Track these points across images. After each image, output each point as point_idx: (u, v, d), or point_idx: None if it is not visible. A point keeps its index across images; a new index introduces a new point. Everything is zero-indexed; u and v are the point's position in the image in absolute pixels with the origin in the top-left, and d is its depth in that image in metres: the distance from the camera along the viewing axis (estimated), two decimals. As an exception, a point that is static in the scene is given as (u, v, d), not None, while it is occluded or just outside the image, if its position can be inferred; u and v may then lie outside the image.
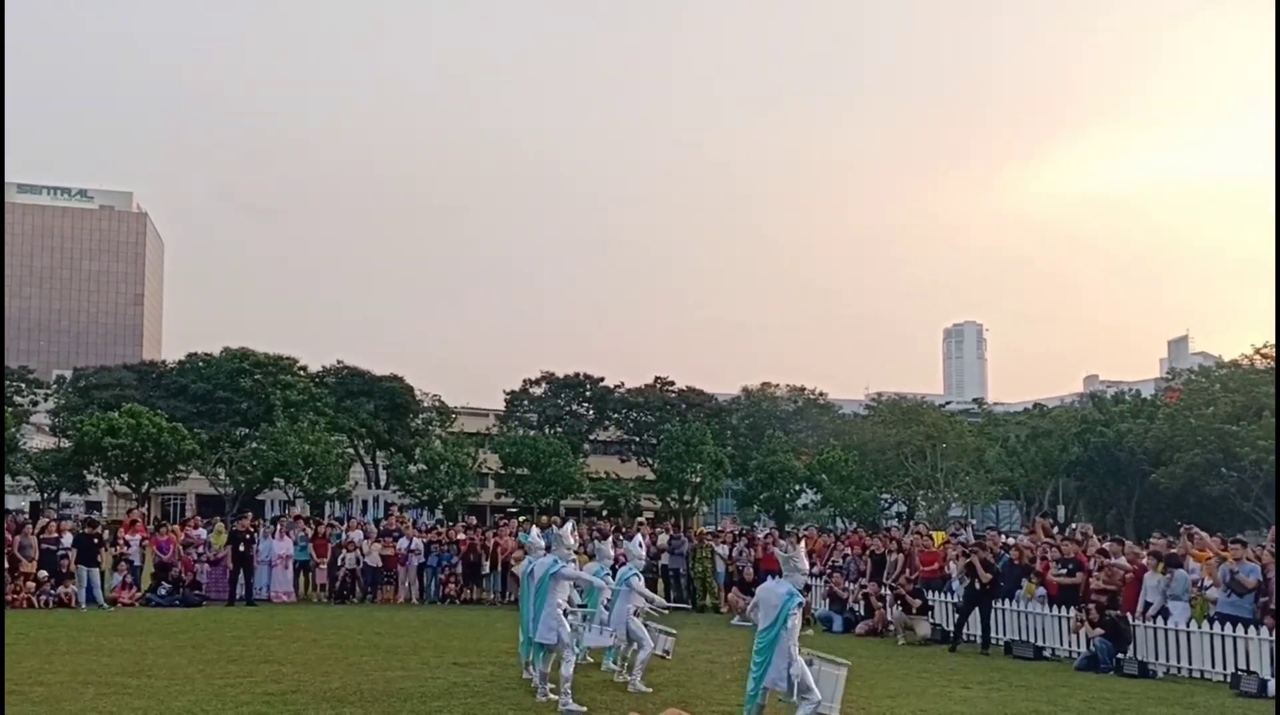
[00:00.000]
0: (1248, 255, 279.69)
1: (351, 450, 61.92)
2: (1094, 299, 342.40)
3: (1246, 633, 12.99)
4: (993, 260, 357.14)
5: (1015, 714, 10.82)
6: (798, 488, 62.15)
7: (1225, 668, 13.09)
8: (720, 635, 16.98)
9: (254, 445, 56.00)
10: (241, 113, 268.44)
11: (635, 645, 12.00)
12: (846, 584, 19.30)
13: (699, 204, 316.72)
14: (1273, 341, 59.79)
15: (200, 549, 22.05)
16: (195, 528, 23.50)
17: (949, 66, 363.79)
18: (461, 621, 18.51)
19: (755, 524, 49.61)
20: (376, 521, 34.33)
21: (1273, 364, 58.52)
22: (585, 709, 10.24)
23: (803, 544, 11.34)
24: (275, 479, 54.54)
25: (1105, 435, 58.25)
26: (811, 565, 21.44)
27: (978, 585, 15.93)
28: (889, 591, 18.11)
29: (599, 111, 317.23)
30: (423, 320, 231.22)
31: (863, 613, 18.50)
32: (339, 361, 65.63)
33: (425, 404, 66.71)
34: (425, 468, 58.05)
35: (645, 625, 12.29)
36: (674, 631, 12.84)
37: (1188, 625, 13.79)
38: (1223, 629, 13.28)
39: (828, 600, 19.58)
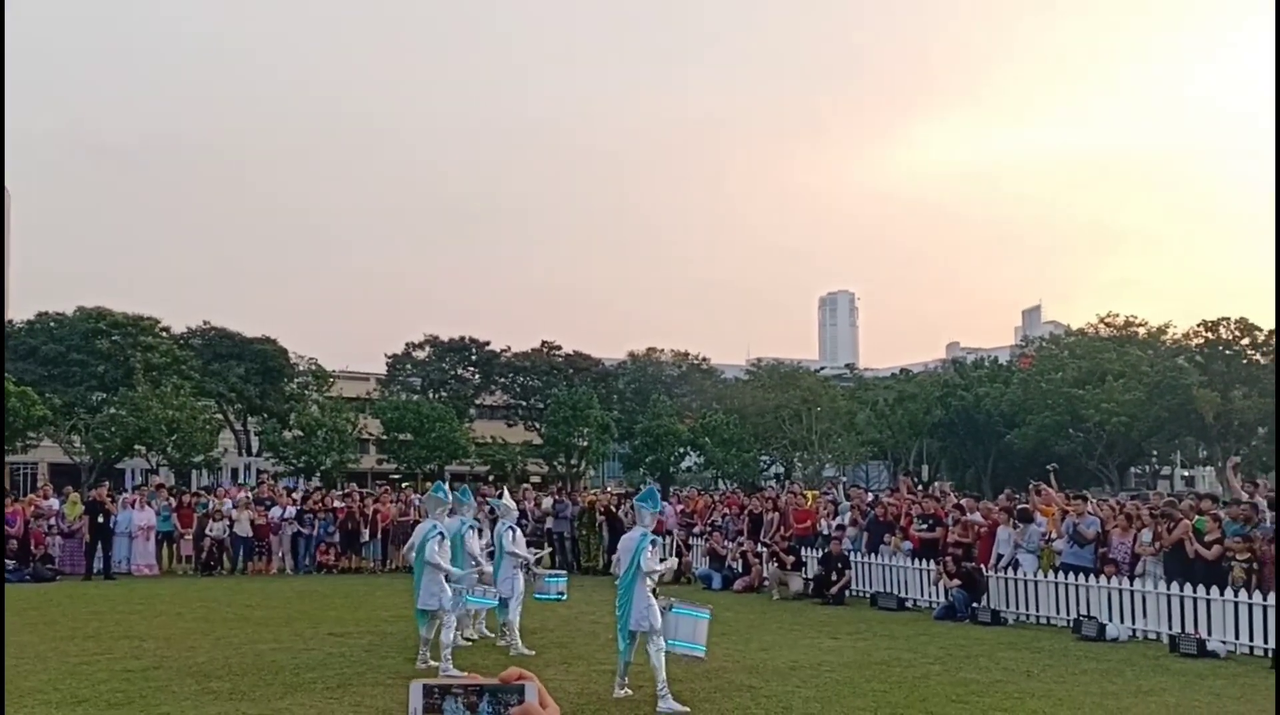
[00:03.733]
0: (1096, 228, 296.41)
1: (220, 416, 59.66)
2: (956, 270, 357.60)
3: (1087, 581, 13.94)
4: (865, 232, 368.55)
5: (878, 661, 11.36)
6: (682, 450, 63.02)
7: (1069, 614, 14.00)
8: (604, 596, 17.15)
9: (112, 411, 53.28)
10: (92, 44, 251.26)
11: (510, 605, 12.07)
12: (725, 542, 19.77)
13: (581, 172, 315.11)
14: (1115, 311, 64.38)
15: (52, 520, 20.96)
16: (46, 498, 22.32)
17: (816, 44, 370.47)
18: (339, 591, 18.19)
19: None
20: (250, 489, 33.28)
21: (1116, 332, 62.87)
22: (466, 674, 10.26)
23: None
24: (136, 446, 52.09)
25: (965, 399, 61.04)
26: (692, 525, 21.96)
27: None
28: (765, 549, 18.64)
29: (487, 78, 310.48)
30: (299, 280, 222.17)
31: (740, 570, 19.00)
32: (205, 322, 62.91)
33: (301, 367, 64.69)
34: (301, 434, 56.44)
35: (533, 573, 12.42)
36: (563, 573, 13.03)
37: (1035, 575, 14.70)
38: (1066, 578, 14.22)
39: (708, 558, 20.03)
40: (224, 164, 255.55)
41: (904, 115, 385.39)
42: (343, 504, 23.05)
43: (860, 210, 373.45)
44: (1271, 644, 11.68)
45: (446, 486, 12.72)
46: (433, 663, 10.50)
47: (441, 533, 10.99)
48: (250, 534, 21.78)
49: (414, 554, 11.16)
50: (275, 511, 22.33)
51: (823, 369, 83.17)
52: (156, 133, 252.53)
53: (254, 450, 62.52)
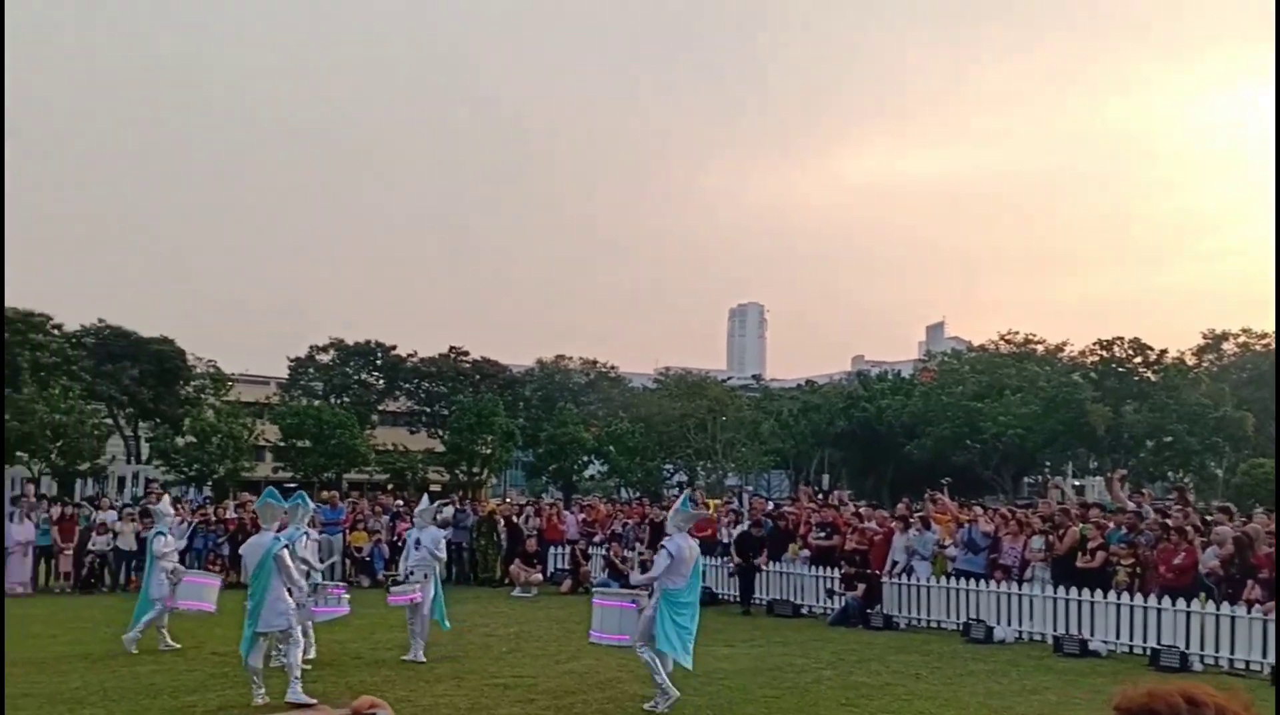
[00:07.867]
0: (997, 252, 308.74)
1: (110, 420, 57.04)
2: (863, 286, 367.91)
3: (977, 586, 14.37)
4: (776, 245, 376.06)
5: (772, 667, 11.48)
6: (586, 459, 62.96)
7: (959, 618, 14.41)
8: (499, 608, 17.01)
9: (-6, 415, 50.53)
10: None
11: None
12: (624, 551, 19.71)
13: (493, 178, 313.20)
14: (1014, 329, 67.19)
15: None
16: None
17: (738, 60, 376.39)
18: (226, 607, 17.42)
19: (543, 495, 49.88)
20: (136, 500, 31.96)
21: (1015, 349, 65.63)
22: (316, 704, 9.85)
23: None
24: (18, 453, 49.44)
25: (868, 410, 62.76)
26: (593, 534, 21.89)
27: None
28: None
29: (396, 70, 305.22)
30: (200, 278, 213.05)
31: (640, 579, 18.95)
32: (100, 320, 59.97)
33: (199, 370, 62.38)
34: (195, 440, 54.39)
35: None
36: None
37: (929, 581, 15.08)
38: (958, 583, 14.62)
39: (607, 569, 19.94)
40: (122, 155, 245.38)
41: (818, 133, 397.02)
42: (234, 515, 22.25)
43: (773, 224, 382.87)
44: (1151, 643, 12.25)
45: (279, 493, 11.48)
46: (264, 699, 9.68)
47: (287, 545, 10.27)
48: (134, 548, 20.78)
49: (252, 572, 10.08)
50: (162, 524, 21.39)
51: (730, 379, 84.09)
52: (45, 119, 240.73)
53: (143, 457, 60.06)
